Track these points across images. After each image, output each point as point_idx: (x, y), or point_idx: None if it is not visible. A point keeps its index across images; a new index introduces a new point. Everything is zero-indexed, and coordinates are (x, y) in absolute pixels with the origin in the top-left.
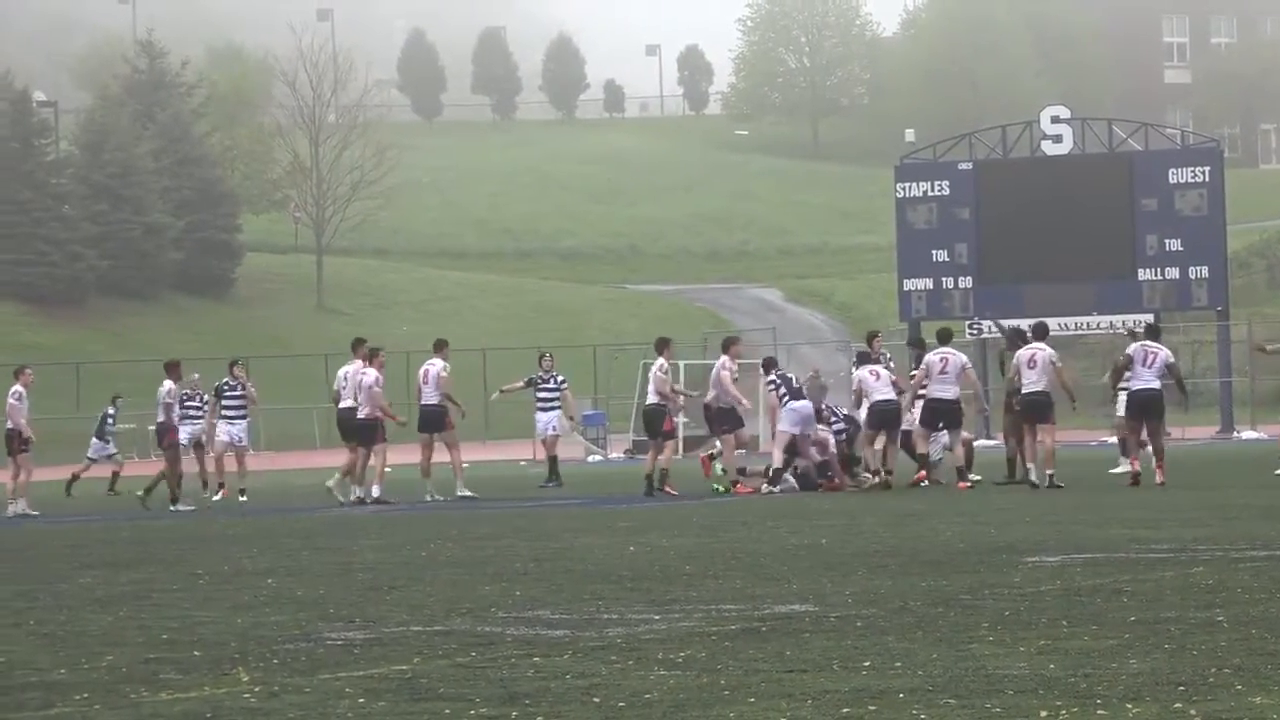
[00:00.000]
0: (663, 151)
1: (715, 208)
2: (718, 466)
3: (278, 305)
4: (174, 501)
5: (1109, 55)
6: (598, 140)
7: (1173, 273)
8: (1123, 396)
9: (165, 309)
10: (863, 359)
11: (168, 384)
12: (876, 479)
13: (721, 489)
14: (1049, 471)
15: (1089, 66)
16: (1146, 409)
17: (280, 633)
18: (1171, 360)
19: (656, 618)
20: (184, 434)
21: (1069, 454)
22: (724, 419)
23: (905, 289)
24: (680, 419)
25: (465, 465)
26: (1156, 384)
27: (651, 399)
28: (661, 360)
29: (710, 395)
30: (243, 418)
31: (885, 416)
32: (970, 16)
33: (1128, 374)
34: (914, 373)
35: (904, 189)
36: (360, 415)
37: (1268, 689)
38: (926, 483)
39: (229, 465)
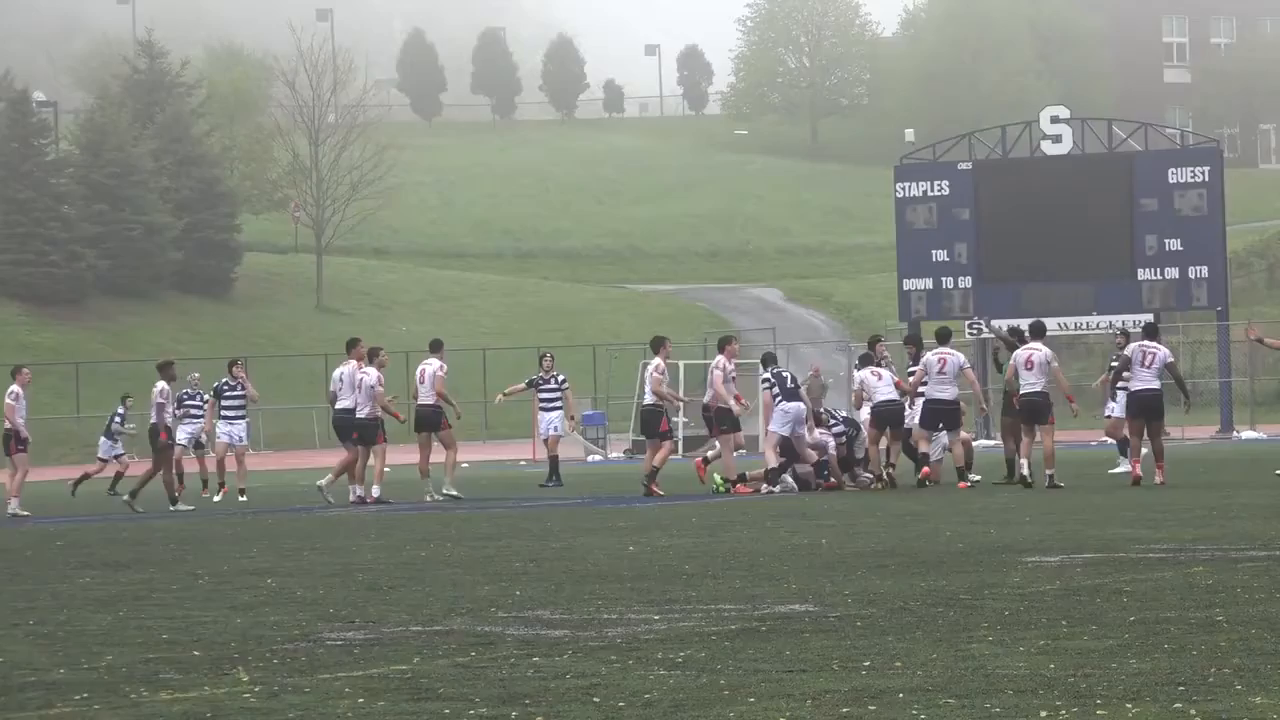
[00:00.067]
0: (663, 151)
1: (715, 208)
2: (716, 477)
3: (277, 305)
4: (173, 502)
5: (1109, 55)
6: (597, 140)
7: (1172, 273)
8: (1122, 396)
9: (165, 309)
10: (865, 361)
11: (160, 384)
12: (880, 483)
13: (721, 488)
14: (1049, 472)
15: (1089, 66)
16: (1147, 409)
17: (280, 633)
18: (1170, 359)
19: (656, 618)
20: (184, 434)
21: (1069, 454)
22: (722, 419)
23: (905, 289)
24: (680, 419)
25: (465, 465)
26: (1156, 384)
27: (649, 399)
28: (658, 360)
29: (708, 396)
30: (242, 418)
31: (888, 417)
32: (970, 17)
33: (1126, 374)
34: (913, 369)
35: (904, 189)
36: (361, 414)
37: (1268, 689)
38: (934, 479)
39: (229, 465)
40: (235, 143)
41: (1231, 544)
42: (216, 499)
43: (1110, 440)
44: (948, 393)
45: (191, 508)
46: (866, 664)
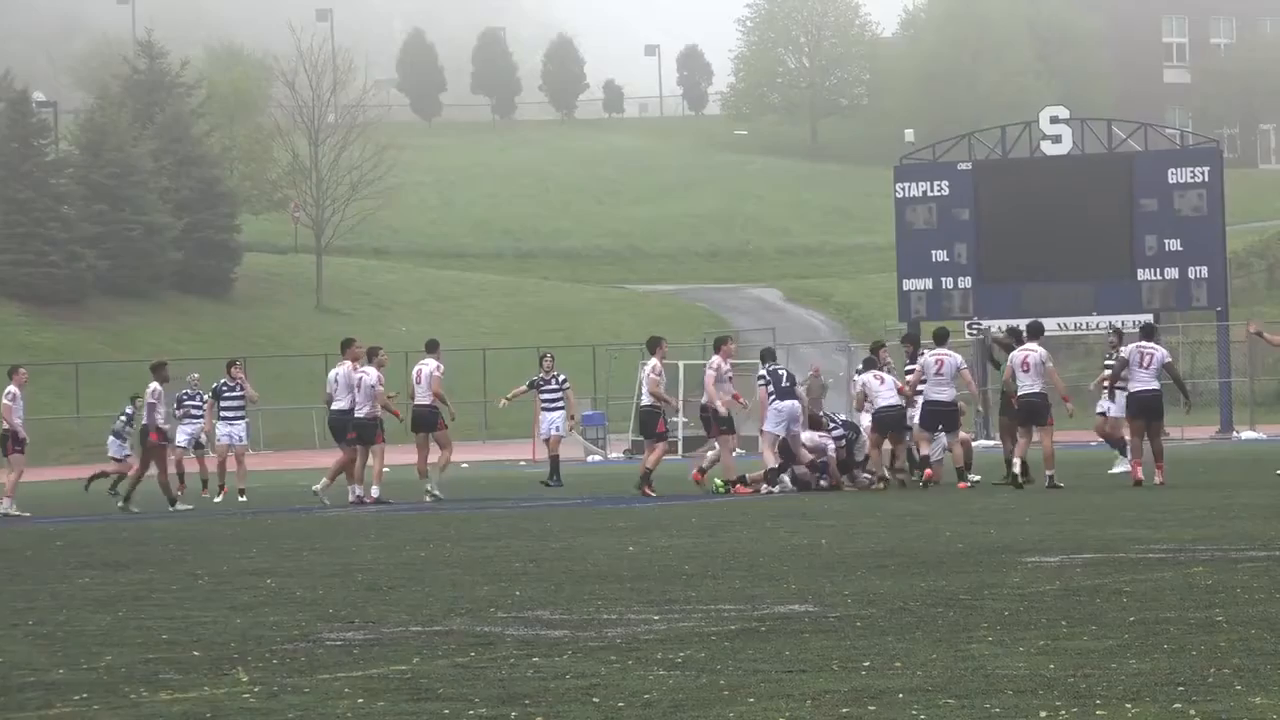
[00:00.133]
0: (663, 151)
1: (715, 208)
2: (716, 481)
3: (277, 305)
4: (172, 503)
5: (1108, 55)
6: (597, 140)
7: (1172, 273)
8: (1121, 397)
9: (165, 309)
10: (869, 365)
11: (153, 385)
12: (881, 484)
13: (721, 489)
14: (1049, 472)
15: (1088, 67)
16: (1147, 410)
17: (280, 633)
18: (1169, 360)
19: (656, 618)
20: (184, 434)
21: (1069, 454)
22: (721, 419)
23: (905, 289)
24: (680, 419)
25: (465, 465)
26: (1156, 384)
27: (646, 400)
28: (654, 361)
29: (706, 396)
30: (241, 419)
31: (890, 422)
32: (969, 17)
33: (1124, 375)
34: (910, 368)
35: (903, 189)
36: (360, 414)
37: (1267, 689)
38: (935, 480)
39: (229, 465)
40: (235, 143)
41: (1231, 544)
42: (217, 499)
43: (1101, 440)
44: (946, 394)
45: (191, 507)
46: (866, 664)
